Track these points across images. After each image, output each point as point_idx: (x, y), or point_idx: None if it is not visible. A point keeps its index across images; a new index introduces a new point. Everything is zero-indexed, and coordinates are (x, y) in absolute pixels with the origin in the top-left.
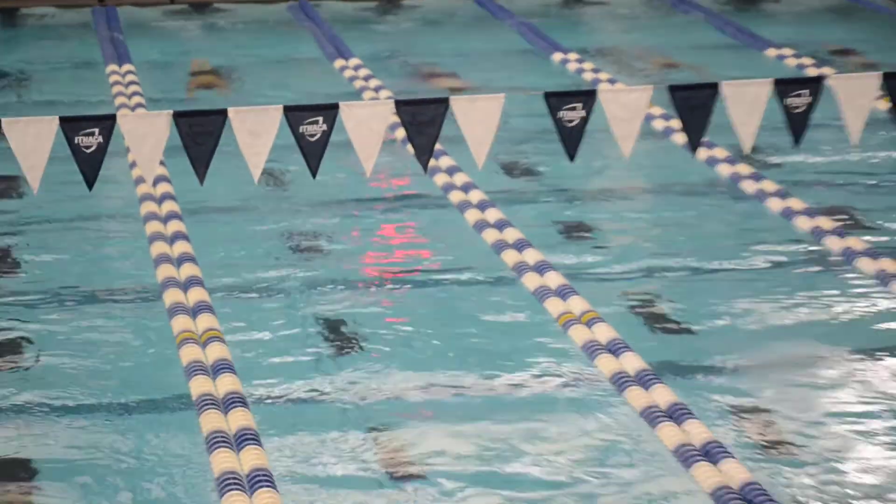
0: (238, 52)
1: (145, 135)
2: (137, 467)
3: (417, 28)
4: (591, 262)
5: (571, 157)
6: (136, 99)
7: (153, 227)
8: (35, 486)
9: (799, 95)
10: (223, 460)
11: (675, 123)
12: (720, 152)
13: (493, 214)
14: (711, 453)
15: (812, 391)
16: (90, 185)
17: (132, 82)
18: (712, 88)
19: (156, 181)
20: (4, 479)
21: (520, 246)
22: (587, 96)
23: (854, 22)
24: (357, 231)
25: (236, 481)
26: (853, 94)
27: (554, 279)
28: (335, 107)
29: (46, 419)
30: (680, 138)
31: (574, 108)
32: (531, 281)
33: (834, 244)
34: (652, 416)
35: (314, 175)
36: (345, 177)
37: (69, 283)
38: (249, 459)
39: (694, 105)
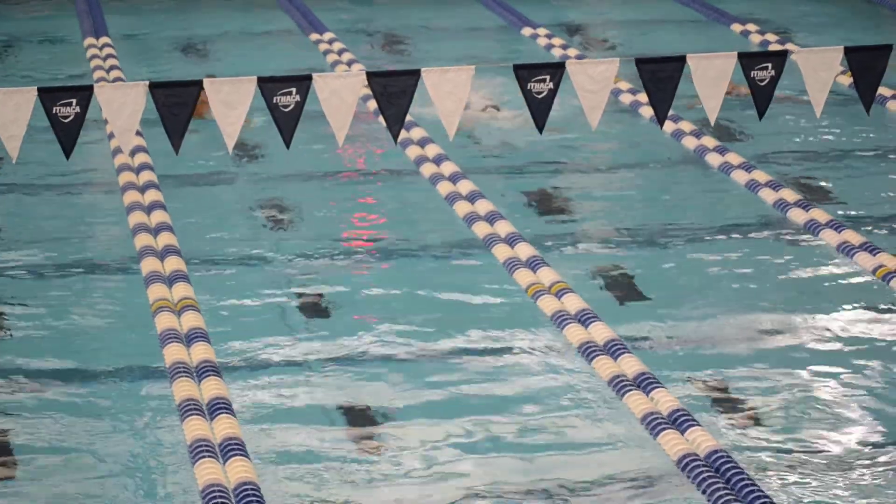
0: (213, 24)
1: (122, 105)
2: (111, 433)
3: (389, 1)
4: (559, 233)
5: (540, 128)
6: (115, 73)
7: (131, 196)
8: (8, 449)
9: (763, 69)
10: (196, 428)
11: (643, 97)
12: (686, 125)
13: (465, 186)
14: (678, 421)
15: (777, 360)
16: (68, 154)
17: (109, 55)
18: (679, 61)
19: (133, 151)
20: None
21: (491, 218)
22: (555, 68)
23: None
24: (330, 201)
25: (209, 449)
26: (816, 68)
27: (524, 250)
28: (308, 78)
29: (20, 385)
30: (647, 111)
31: (543, 80)
32: (501, 252)
33: (798, 216)
34: (620, 385)
35: (288, 145)
36: (318, 147)
37: (46, 251)
38: (222, 428)
39: (660, 78)
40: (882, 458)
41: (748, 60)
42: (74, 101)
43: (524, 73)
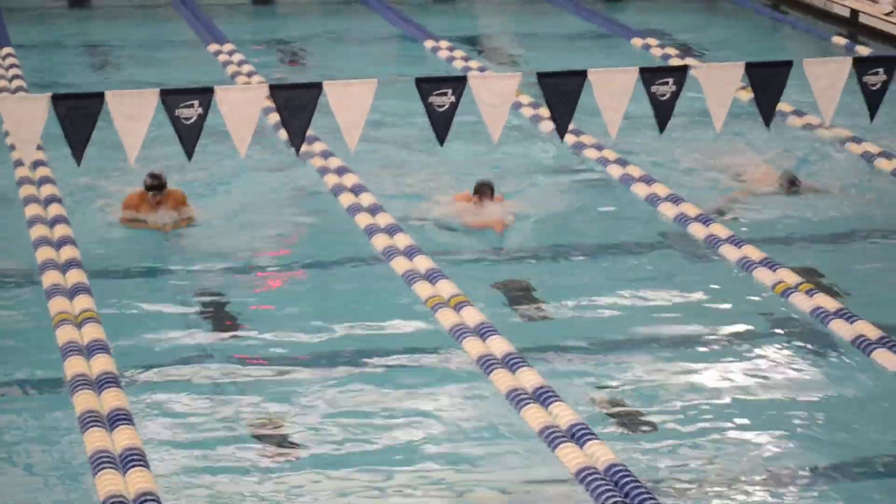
0: (116, 35)
1: (23, 118)
2: (11, 446)
3: (291, 14)
4: (459, 247)
5: (441, 141)
6: (17, 82)
7: (32, 210)
8: None
9: (664, 83)
10: (96, 439)
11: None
12: (587, 139)
13: (366, 199)
14: (577, 435)
15: (678, 374)
16: None
17: (13, 65)
18: (580, 76)
19: (35, 165)
20: None
21: (391, 230)
22: (457, 82)
23: (717, 14)
24: (233, 213)
25: (109, 460)
26: (717, 83)
27: (423, 263)
28: (210, 91)
29: None
30: (547, 125)
31: (444, 94)
32: (400, 265)
33: (698, 231)
34: (518, 398)
35: (189, 157)
36: (223, 159)
37: None
38: (122, 439)
39: (562, 92)
40: (780, 470)
41: (649, 75)
42: None
43: (426, 86)
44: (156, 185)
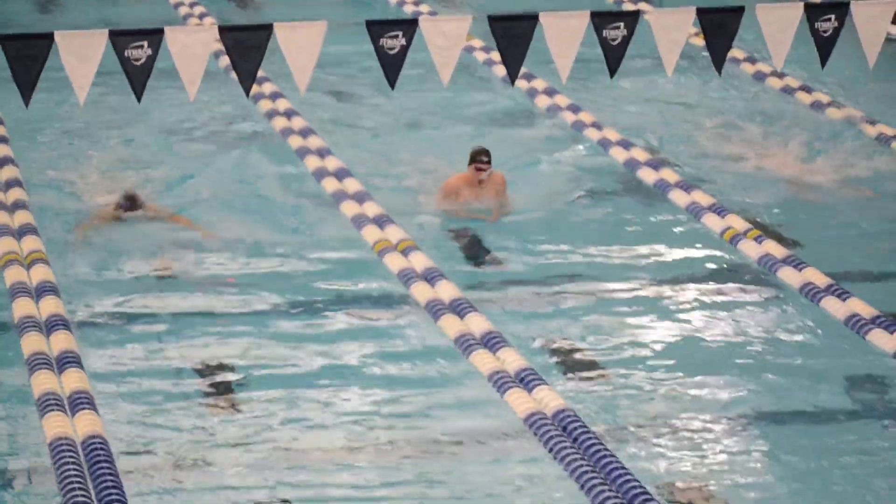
0: None
1: None
2: None
3: None
4: (407, 191)
5: (392, 84)
6: None
7: None
8: None
9: (616, 28)
10: (44, 382)
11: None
12: (539, 84)
13: (314, 142)
14: (526, 380)
15: (624, 320)
16: None
17: None
18: (531, 20)
19: None
20: None
21: (340, 174)
22: (408, 25)
23: None
24: (181, 156)
25: (57, 402)
26: (668, 28)
27: (371, 208)
28: (160, 31)
29: None
30: (499, 70)
31: (395, 37)
32: (349, 209)
33: (648, 176)
34: (467, 344)
35: (139, 99)
36: (173, 103)
37: None
38: (71, 382)
39: (513, 35)
40: (727, 415)
41: (600, 20)
42: None
43: (377, 28)
44: None
